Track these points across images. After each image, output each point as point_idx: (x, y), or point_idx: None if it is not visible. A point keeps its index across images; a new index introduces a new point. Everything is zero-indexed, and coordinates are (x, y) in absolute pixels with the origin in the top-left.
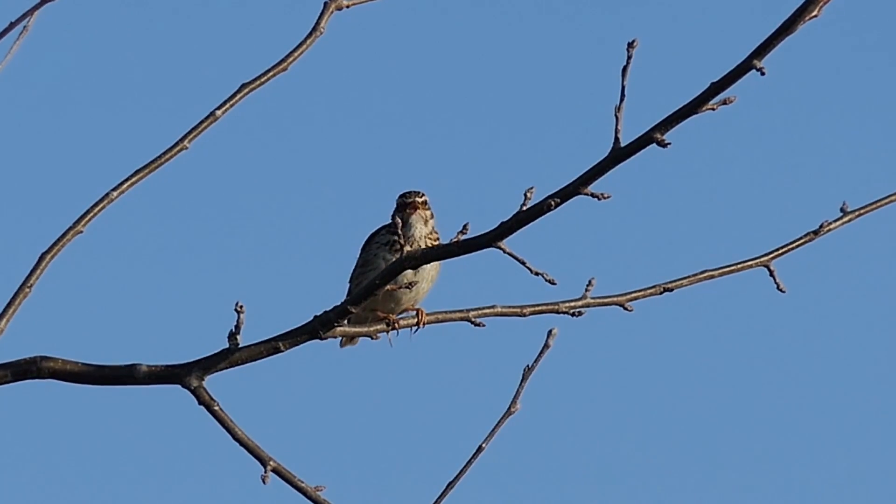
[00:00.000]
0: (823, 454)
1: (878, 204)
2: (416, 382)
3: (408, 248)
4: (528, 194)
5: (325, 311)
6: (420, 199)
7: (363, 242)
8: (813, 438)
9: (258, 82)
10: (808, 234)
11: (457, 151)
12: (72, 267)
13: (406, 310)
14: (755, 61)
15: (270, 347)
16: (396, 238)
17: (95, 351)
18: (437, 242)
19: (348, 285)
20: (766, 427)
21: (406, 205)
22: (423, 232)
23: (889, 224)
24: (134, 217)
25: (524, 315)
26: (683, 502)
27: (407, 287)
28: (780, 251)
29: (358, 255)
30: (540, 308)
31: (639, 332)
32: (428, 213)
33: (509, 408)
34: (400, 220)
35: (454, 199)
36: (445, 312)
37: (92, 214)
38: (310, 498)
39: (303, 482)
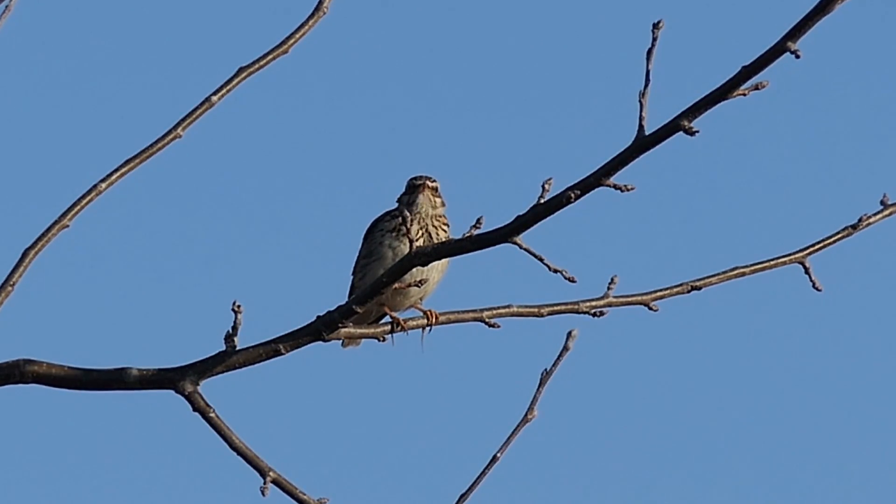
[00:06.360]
0: (862, 458)
1: None
2: (426, 387)
3: (415, 226)
4: (547, 186)
5: (329, 311)
6: (431, 184)
7: (365, 230)
8: (850, 442)
9: (257, 66)
10: (845, 228)
11: (469, 140)
12: (57, 264)
13: (412, 307)
14: (789, 43)
15: (270, 350)
16: (400, 221)
17: (83, 353)
18: (446, 227)
19: (351, 277)
20: (801, 433)
21: (416, 186)
22: (429, 212)
23: None
24: (124, 210)
25: (542, 315)
26: None
27: (416, 285)
28: (816, 247)
29: (360, 245)
30: (559, 308)
31: (664, 334)
32: (438, 199)
33: (526, 414)
34: (407, 201)
35: (467, 191)
36: (458, 312)
37: (79, 208)
38: None
39: (305, 494)
